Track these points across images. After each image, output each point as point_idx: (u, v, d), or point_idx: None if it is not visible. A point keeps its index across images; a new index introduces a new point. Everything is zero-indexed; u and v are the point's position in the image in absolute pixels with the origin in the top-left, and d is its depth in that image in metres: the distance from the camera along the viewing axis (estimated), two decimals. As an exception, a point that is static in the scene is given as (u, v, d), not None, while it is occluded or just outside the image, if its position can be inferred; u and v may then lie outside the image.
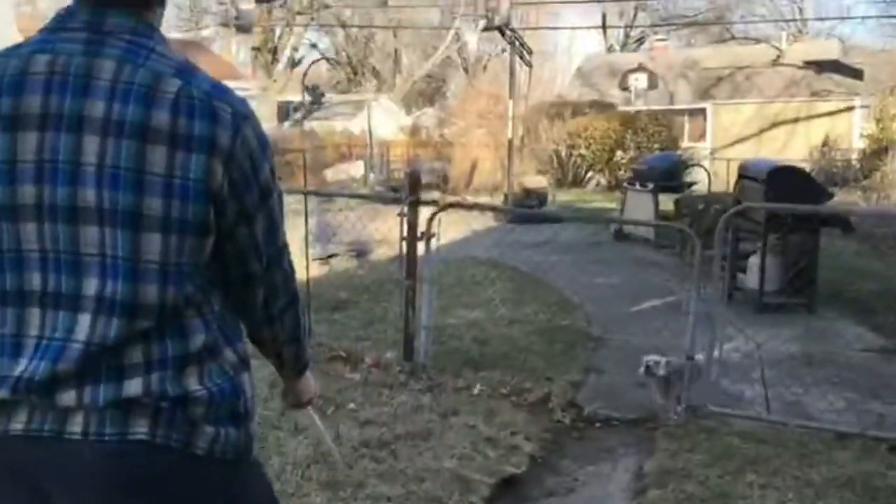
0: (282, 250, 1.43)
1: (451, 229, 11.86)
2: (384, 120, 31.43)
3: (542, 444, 4.08)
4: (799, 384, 5.17)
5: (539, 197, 14.74)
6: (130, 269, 1.24)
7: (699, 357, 4.43)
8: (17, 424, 1.25)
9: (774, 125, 21.53)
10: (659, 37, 32.22)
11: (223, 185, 1.27)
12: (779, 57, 24.15)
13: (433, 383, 4.74)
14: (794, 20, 32.12)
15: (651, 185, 10.80)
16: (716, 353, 4.48)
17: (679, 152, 13.94)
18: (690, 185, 11.24)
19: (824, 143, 20.33)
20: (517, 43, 13.79)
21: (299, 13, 31.41)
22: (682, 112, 23.88)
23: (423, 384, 4.71)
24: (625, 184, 11.67)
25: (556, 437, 4.25)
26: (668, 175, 10.76)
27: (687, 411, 4.38)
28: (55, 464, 1.25)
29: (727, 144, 21.60)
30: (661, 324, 5.83)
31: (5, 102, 1.24)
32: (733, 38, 36.73)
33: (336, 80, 39.12)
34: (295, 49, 34.69)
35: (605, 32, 37.07)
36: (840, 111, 21.35)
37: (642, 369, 4.46)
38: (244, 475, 1.40)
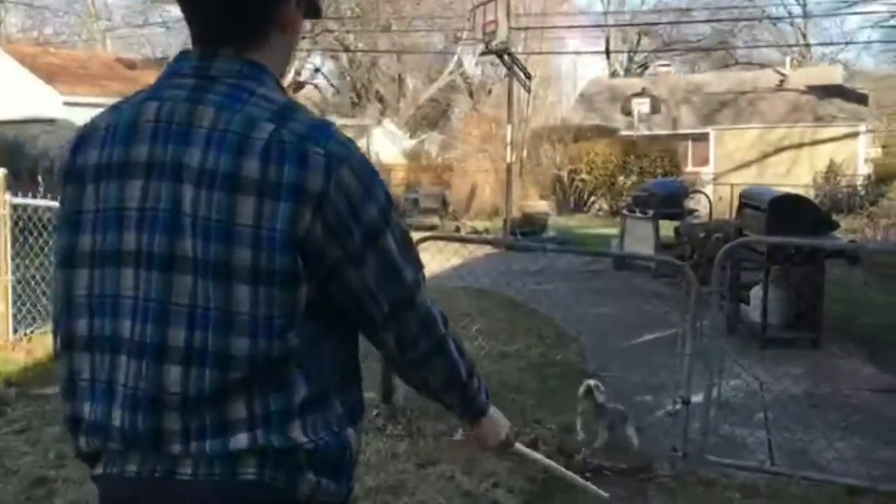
0: (411, 293, 1.37)
1: (444, 256, 11.61)
2: (387, 144, 31.32)
3: (526, 498, 3.77)
4: (804, 429, 4.85)
5: (538, 222, 14.49)
6: (221, 321, 1.23)
7: (695, 399, 4.12)
8: (132, 466, 1.28)
9: (778, 150, 21.29)
10: (662, 62, 32.16)
11: (313, 230, 1.23)
12: (782, 82, 23.98)
13: (412, 428, 4.43)
14: (798, 45, 32.00)
15: (651, 212, 10.52)
16: (714, 394, 4.17)
17: (680, 178, 13.68)
18: (691, 211, 10.96)
19: (829, 169, 20.05)
20: (516, 67, 13.60)
21: (302, 37, 31.45)
22: (684, 137, 23.69)
23: (402, 429, 4.41)
24: (624, 210, 11.38)
25: (543, 488, 3.93)
26: (669, 201, 10.48)
27: (683, 461, 4.07)
28: (167, 500, 1.28)
29: (730, 169, 21.37)
30: (661, 359, 5.54)
31: (118, 151, 1.28)
32: (737, 62, 36.71)
33: (340, 104, 39.10)
34: (298, 73, 34.71)
35: (608, 57, 37.07)
36: (844, 137, 21.10)
37: (582, 390, 4.40)
38: None
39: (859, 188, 19.10)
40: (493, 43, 12.60)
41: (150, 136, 1.26)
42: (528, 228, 14.23)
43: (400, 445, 4.12)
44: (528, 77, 14.66)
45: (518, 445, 1.79)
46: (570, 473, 2.20)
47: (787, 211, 6.66)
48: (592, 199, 21.09)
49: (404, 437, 4.28)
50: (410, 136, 32.11)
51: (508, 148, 14.11)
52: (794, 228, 6.55)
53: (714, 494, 3.74)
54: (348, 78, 38.87)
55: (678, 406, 4.11)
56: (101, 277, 1.29)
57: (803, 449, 4.53)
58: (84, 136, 1.34)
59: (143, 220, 1.25)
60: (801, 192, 19.48)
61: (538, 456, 1.92)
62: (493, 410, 1.65)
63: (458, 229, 17.06)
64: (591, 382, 4.49)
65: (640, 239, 10.71)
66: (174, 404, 1.24)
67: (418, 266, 1.38)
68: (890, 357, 6.38)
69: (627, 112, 25.00)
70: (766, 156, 21.37)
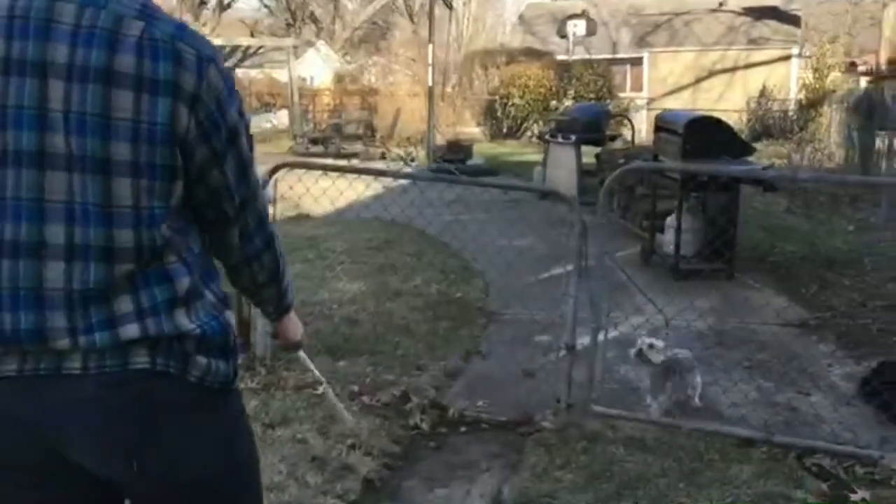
0: (255, 190, 1.42)
1: (362, 184, 11.03)
2: (321, 67, 30.06)
3: (387, 460, 3.34)
4: (708, 369, 4.51)
5: (463, 150, 13.91)
6: (102, 214, 1.23)
7: (581, 343, 3.71)
8: (9, 366, 1.26)
9: (712, 74, 20.95)
10: (604, -17, 31.33)
11: (189, 128, 1.26)
12: (721, 4, 23.48)
13: (272, 380, 3.95)
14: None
15: (573, 138, 10.05)
16: (603, 337, 3.77)
17: (604, 103, 13.19)
18: (614, 137, 10.52)
19: (761, 94, 19.82)
20: (436, -17, 12.81)
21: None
22: (622, 61, 23.16)
23: (258, 382, 3.92)
24: (547, 136, 10.90)
25: (408, 448, 3.52)
26: (591, 127, 10.00)
27: (567, 412, 3.68)
28: (55, 399, 1.25)
29: (664, 94, 20.99)
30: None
31: None
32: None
33: (273, 25, 37.38)
34: (217, -13, 32.87)
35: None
36: (777, 60, 20.84)
37: (633, 352, 3.77)
38: (230, 402, 1.44)
39: (790, 113, 18.94)
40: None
41: (3, 31, 1.21)
42: (451, 156, 13.64)
43: (252, 402, 3.63)
44: (450, -7, 13.84)
45: (302, 352, 1.93)
46: (332, 397, 2.49)
47: (702, 135, 6.25)
48: (525, 124, 20.53)
49: (259, 392, 3.79)
50: (348, 61, 30.91)
51: (430, 70, 13.39)
52: (710, 153, 6.16)
53: (596, 450, 3.37)
54: (283, -2, 37.13)
55: (562, 352, 3.70)
56: None
57: (702, 393, 4.20)
58: None
59: (5, 118, 1.21)
60: (733, 116, 19.34)
61: (310, 363, 2.04)
62: (293, 312, 1.73)
63: (383, 156, 16.42)
64: (646, 342, 3.81)
65: (563, 165, 10.26)
66: (58, 301, 1.23)
67: (254, 159, 1.42)
68: (804, 290, 6.11)
69: (563, 35, 24.21)
70: (699, 80, 21.01)
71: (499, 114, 20.64)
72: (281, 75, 26.35)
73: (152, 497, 1.37)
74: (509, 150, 18.27)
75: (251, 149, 1.40)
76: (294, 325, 1.74)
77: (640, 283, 6.60)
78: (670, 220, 6.71)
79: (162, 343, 1.28)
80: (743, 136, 18.53)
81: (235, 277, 1.52)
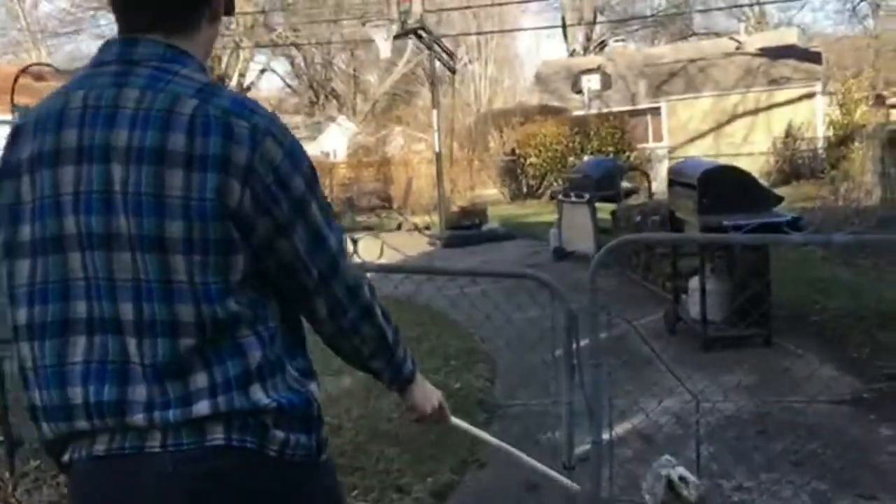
0: (336, 261, 1.41)
1: (374, 257, 10.44)
2: (343, 142, 30.04)
3: None
4: (746, 467, 3.78)
5: (477, 215, 13.36)
6: (163, 290, 1.27)
7: (581, 451, 3.01)
8: (100, 447, 1.30)
9: (733, 118, 20.31)
10: (618, 37, 31.15)
11: (242, 201, 1.27)
12: (738, 48, 22.97)
13: None
14: (752, 3, 31.01)
15: (587, 196, 9.44)
16: (607, 443, 3.07)
17: (616, 157, 12.56)
18: (629, 193, 9.88)
19: (787, 133, 19.09)
20: (437, 47, 12.45)
21: (239, 38, 29.97)
22: (640, 112, 22.64)
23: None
24: (559, 196, 10.29)
25: None
26: (605, 183, 9.40)
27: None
28: (138, 477, 1.28)
29: (685, 142, 20.37)
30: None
31: (49, 140, 1.31)
32: (694, 34, 35.76)
33: (298, 104, 37.67)
34: (242, 75, 33.25)
35: (566, 37, 35.83)
36: (801, 98, 20.15)
37: (656, 485, 3.08)
38: (315, 476, 1.41)
39: (819, 151, 18.17)
40: (409, 22, 11.43)
41: (77, 121, 1.28)
42: (466, 222, 13.11)
43: None
44: (451, 56, 13.50)
45: (454, 419, 1.88)
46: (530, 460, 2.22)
47: (719, 186, 5.58)
48: (545, 183, 19.99)
49: None
50: (373, 133, 30.83)
51: (436, 135, 12.95)
52: (729, 206, 5.48)
53: None
54: (304, 77, 37.51)
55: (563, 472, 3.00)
56: (45, 264, 1.30)
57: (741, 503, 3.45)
58: (15, 133, 1.36)
59: (78, 204, 1.27)
60: (760, 159, 18.63)
61: (464, 424, 1.95)
62: (421, 378, 1.70)
63: (399, 226, 15.96)
64: (674, 472, 3.17)
65: (578, 225, 9.65)
66: (139, 376, 1.27)
67: (340, 232, 1.42)
68: (853, 354, 5.34)
69: (578, 90, 23.88)
70: (720, 125, 20.35)
71: (518, 174, 20.18)
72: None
73: None
74: (530, 210, 17.72)
75: (330, 215, 1.39)
76: (424, 395, 1.71)
77: (666, 355, 5.88)
78: (694, 283, 6.01)
79: (236, 418, 1.28)
80: (772, 179, 18.03)
81: (337, 350, 1.50)
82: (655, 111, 22.49)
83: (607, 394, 3.08)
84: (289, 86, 38.06)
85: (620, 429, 3.92)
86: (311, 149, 29.58)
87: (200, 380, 1.28)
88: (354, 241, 2.97)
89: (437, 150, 13.05)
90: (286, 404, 1.32)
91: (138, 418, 1.26)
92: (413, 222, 15.43)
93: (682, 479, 3.03)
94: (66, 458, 1.35)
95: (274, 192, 1.30)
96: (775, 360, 5.41)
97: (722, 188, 5.56)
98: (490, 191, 21.12)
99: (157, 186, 1.24)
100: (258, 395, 1.30)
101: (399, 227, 15.90)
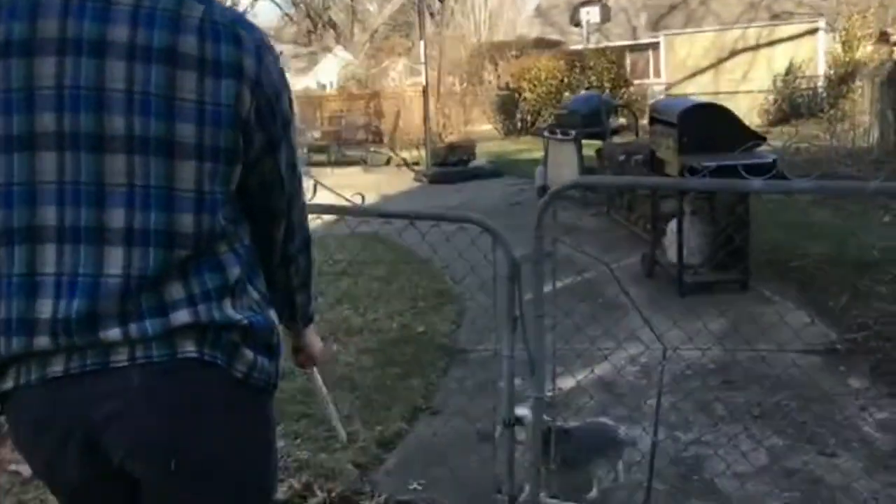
0: (300, 185, 1.43)
1: (355, 194, 10.21)
2: (341, 74, 29.37)
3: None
4: (707, 420, 3.64)
5: (465, 151, 13.06)
6: (165, 198, 1.21)
7: (524, 413, 2.85)
8: (56, 367, 1.22)
9: (733, 54, 19.77)
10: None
11: (250, 112, 1.26)
12: (741, -20, 22.21)
13: None
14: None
15: (573, 133, 9.15)
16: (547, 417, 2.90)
17: (606, 93, 12.17)
18: (616, 130, 9.58)
19: (788, 71, 18.61)
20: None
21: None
22: (639, 47, 22.05)
23: None
24: (545, 132, 9.99)
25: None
26: (592, 120, 9.09)
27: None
28: (101, 393, 1.22)
29: (684, 78, 19.88)
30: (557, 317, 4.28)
31: (19, 28, 1.19)
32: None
33: (296, 33, 36.73)
34: (235, 3, 32.39)
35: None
36: (804, 34, 19.58)
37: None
38: (269, 405, 1.39)
39: (820, 90, 17.73)
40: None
41: (59, 11, 1.19)
42: (453, 158, 12.82)
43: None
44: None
45: (316, 370, 1.83)
46: (334, 413, 2.17)
47: (700, 125, 5.33)
48: (540, 119, 19.58)
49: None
50: (370, 64, 30.13)
51: (423, 67, 12.56)
52: (711, 146, 5.24)
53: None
54: (301, 5, 36.50)
55: (498, 432, 2.85)
56: (8, 164, 1.20)
57: (696, 459, 3.31)
58: None
59: (61, 100, 1.18)
60: (759, 97, 18.19)
61: (321, 383, 1.90)
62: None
63: (388, 161, 15.66)
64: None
65: (563, 163, 9.37)
66: (114, 288, 1.20)
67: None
68: (831, 302, 5.16)
69: (577, 23, 23.16)
70: (720, 61, 19.80)
71: (512, 109, 19.75)
72: (298, 83, 25.74)
73: (182, 490, 1.30)
74: (523, 146, 17.35)
75: (296, 142, 1.39)
76: (316, 339, 1.69)
77: (640, 300, 5.72)
78: (671, 226, 5.80)
79: (210, 332, 1.25)
80: (770, 118, 17.63)
81: (272, 279, 1.44)
82: (656, 46, 21.91)
83: (554, 346, 2.90)
84: (286, 14, 37.10)
85: (581, 376, 3.76)
86: (307, 80, 29.02)
87: (176, 292, 1.23)
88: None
89: (424, 82, 12.67)
90: (256, 323, 1.29)
91: (112, 333, 1.19)
92: (402, 157, 15.12)
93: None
94: (7, 384, 1.25)
95: (273, 108, 1.29)
96: (750, 306, 5.25)
97: (703, 127, 5.32)
98: (484, 126, 20.70)
99: (169, 88, 1.19)
100: (230, 310, 1.26)
101: (388, 162, 15.59)
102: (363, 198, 2.79)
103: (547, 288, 2.80)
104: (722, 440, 3.37)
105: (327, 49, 32.79)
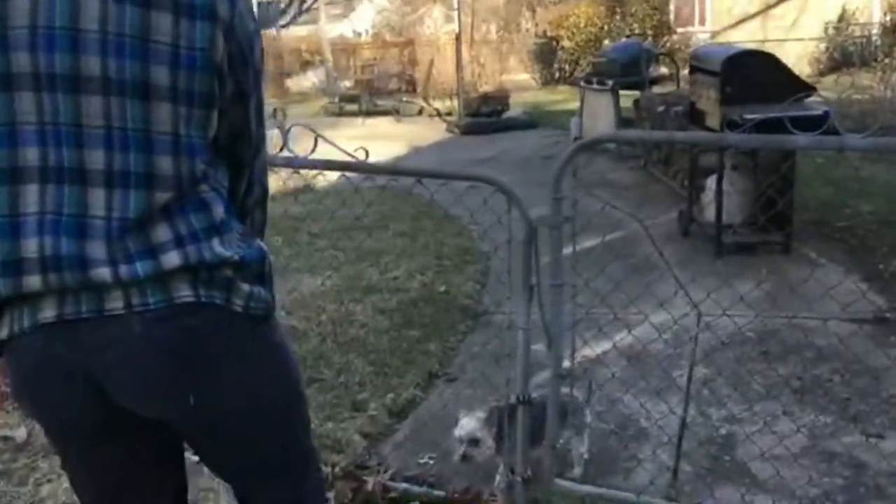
0: (264, 137, 1.42)
1: (389, 146, 9.96)
2: (375, 20, 28.84)
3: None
4: (741, 396, 3.38)
5: (499, 102, 12.68)
6: (143, 140, 1.20)
7: (537, 396, 2.62)
8: (49, 312, 1.20)
9: (781, 0, 18.88)
10: None
11: (223, 57, 1.24)
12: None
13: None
14: None
15: (610, 83, 8.76)
16: (566, 389, 2.68)
17: (645, 41, 11.59)
18: (656, 80, 9.14)
19: (841, 18, 17.73)
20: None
21: None
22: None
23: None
24: (581, 82, 9.60)
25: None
26: (630, 69, 8.68)
27: (524, 487, 2.62)
28: (100, 342, 1.20)
29: (730, 26, 19.06)
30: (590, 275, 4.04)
31: None
32: None
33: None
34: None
35: None
36: (859, -21, 18.57)
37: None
38: (275, 329, 1.40)
39: (874, 38, 16.87)
40: None
41: None
42: (486, 109, 12.45)
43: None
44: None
45: None
46: None
47: (745, 74, 4.96)
48: (579, 68, 18.99)
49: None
50: (406, 12, 29.53)
51: (456, 13, 12.15)
52: (756, 96, 4.87)
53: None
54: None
55: (510, 401, 2.63)
56: None
57: (729, 438, 3.08)
58: None
59: (35, 39, 1.15)
60: (809, 45, 17.38)
61: None
62: None
63: (420, 112, 15.33)
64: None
65: (600, 115, 9.01)
66: (99, 230, 1.18)
67: None
68: (881, 264, 4.82)
69: (619, -34, 22.36)
70: (769, 6, 18.90)
71: (550, 58, 19.18)
72: (333, 30, 25.28)
73: (206, 430, 1.33)
74: (560, 97, 16.87)
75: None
76: None
77: (673, 261, 5.41)
78: (710, 182, 5.47)
79: (203, 272, 1.23)
80: (820, 67, 16.85)
81: None
82: (702, -9, 21.00)
83: (574, 314, 2.66)
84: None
85: (607, 344, 3.53)
86: (342, 27, 28.53)
87: (163, 233, 1.21)
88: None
89: (456, 30, 12.26)
90: (247, 256, 1.29)
91: (103, 272, 1.17)
92: (434, 108, 14.77)
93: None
94: (2, 333, 1.23)
95: (245, 56, 1.28)
96: (792, 269, 4.93)
97: (748, 77, 4.95)
98: (521, 76, 20.15)
99: (143, 29, 1.16)
100: (219, 248, 1.25)
101: (420, 112, 15.25)
102: (367, 153, 2.55)
103: (567, 251, 2.55)
104: (757, 418, 3.12)
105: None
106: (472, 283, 5.08)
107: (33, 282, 1.18)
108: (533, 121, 12.43)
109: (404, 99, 15.89)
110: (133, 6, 1.16)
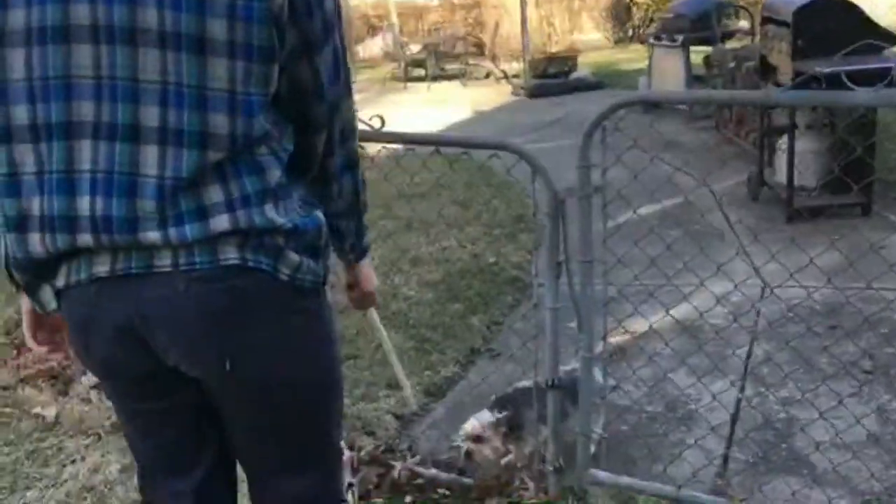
0: (345, 96, 1.35)
1: (449, 111, 9.73)
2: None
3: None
4: (805, 377, 3.12)
5: (565, 63, 12.28)
6: (198, 97, 1.16)
7: (567, 370, 2.44)
8: (102, 267, 1.22)
9: (875, -57, 17.69)
10: None
11: (283, 8, 1.18)
12: None
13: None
14: None
15: (680, 39, 8.32)
16: (598, 375, 2.48)
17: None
18: (731, 34, 8.61)
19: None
20: None
21: None
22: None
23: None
24: (650, 39, 9.15)
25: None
26: (701, 24, 8.20)
27: (556, 477, 2.45)
28: (147, 298, 1.21)
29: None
30: (645, 244, 3.80)
31: None
32: None
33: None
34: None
35: None
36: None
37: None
38: (322, 304, 1.36)
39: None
40: None
41: None
42: (553, 70, 12.08)
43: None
44: None
45: (373, 310, 1.96)
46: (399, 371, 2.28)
47: (819, 24, 4.56)
48: (652, 25, 18.28)
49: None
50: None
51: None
52: (831, 47, 4.46)
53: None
54: None
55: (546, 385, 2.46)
56: (42, 56, 1.15)
57: (786, 429, 2.83)
58: None
59: None
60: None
61: (379, 323, 1.92)
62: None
63: (488, 75, 15.02)
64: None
65: (669, 73, 8.57)
66: (151, 189, 1.16)
67: (349, 72, 1.35)
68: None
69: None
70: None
71: (622, 15, 18.51)
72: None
73: (242, 397, 1.32)
74: (632, 55, 16.26)
75: (345, 55, 1.31)
76: (371, 274, 1.60)
77: (740, 227, 5.08)
78: (782, 143, 5.10)
79: (252, 237, 1.21)
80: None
81: (314, 196, 1.35)
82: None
83: (604, 295, 2.46)
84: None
85: (659, 315, 3.30)
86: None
87: (215, 194, 1.19)
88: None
89: (520, -11, 11.89)
90: (301, 225, 1.25)
91: (152, 235, 1.17)
92: (501, 70, 14.44)
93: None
94: (60, 282, 1.25)
95: (311, 6, 1.22)
96: (871, 235, 4.54)
97: (822, 27, 4.54)
98: (593, 35, 19.54)
99: None
100: (272, 213, 1.22)
101: (487, 76, 14.95)
102: (382, 121, 2.38)
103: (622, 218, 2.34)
104: (821, 401, 2.85)
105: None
106: (524, 253, 4.88)
107: (86, 239, 1.19)
108: (601, 82, 12.01)
109: (471, 62, 15.58)
110: None
